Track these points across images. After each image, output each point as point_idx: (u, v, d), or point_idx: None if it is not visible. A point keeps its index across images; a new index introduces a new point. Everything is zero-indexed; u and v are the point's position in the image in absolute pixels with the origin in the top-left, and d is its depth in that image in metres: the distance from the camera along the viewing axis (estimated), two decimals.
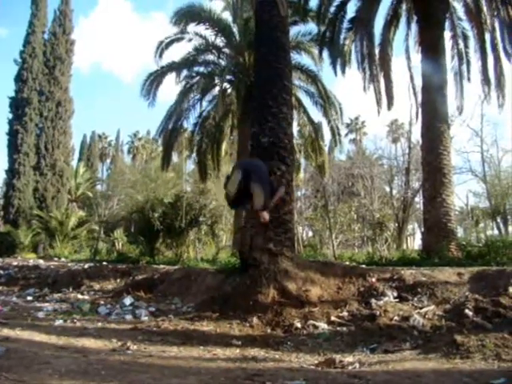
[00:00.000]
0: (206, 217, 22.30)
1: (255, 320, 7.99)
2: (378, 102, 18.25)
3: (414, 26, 17.83)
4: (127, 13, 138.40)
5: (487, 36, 16.92)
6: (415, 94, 19.08)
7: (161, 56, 21.95)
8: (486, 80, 17.39)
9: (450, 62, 17.17)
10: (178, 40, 22.24)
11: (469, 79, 18.02)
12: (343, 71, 18.12)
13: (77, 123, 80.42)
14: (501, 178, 33.87)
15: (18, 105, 35.74)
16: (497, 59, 16.91)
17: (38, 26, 36.95)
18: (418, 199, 31.57)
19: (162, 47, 21.93)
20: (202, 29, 22.01)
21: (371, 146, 46.71)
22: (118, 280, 14.08)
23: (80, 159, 60.90)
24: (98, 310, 9.95)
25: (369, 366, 5.34)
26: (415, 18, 16.93)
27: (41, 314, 9.24)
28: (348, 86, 78.15)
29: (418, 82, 17.67)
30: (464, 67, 17.75)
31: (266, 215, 6.94)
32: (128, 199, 38.88)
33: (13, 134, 35.25)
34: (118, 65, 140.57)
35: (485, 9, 16.61)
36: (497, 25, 16.47)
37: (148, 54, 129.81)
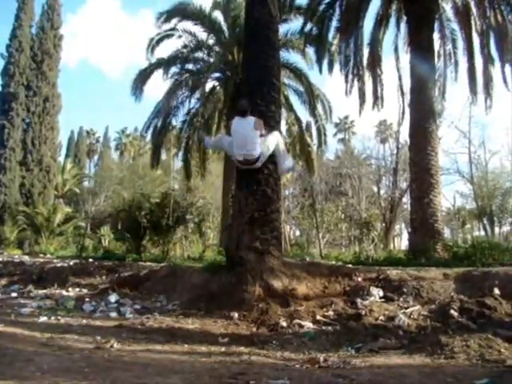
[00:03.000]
0: (193, 215, 22.31)
1: (241, 318, 7.98)
2: (362, 103, 18.32)
3: (403, 27, 17.92)
4: (115, 10, 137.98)
5: (476, 38, 17.03)
6: (403, 94, 19.12)
7: (152, 52, 22.02)
8: (473, 82, 17.48)
9: (438, 62, 17.26)
10: (168, 37, 22.21)
11: (456, 79, 18.16)
12: (330, 70, 18.21)
13: (64, 119, 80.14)
14: (488, 180, 34.17)
15: (4, 99, 35.57)
16: (485, 62, 17.00)
17: (25, 19, 36.78)
18: (406, 199, 31.75)
19: (153, 44, 21.95)
20: (190, 25, 21.99)
21: (359, 146, 46.83)
22: (104, 277, 14.02)
23: (67, 155, 60.74)
24: (83, 307, 9.90)
25: (353, 366, 5.33)
26: (405, 18, 16.98)
27: (25, 311, 9.17)
28: (338, 85, 78.37)
29: (407, 83, 17.80)
30: (451, 68, 17.86)
31: None
32: (115, 196, 38.80)
33: None
34: (105, 61, 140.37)
35: (474, 11, 16.70)
36: (485, 28, 16.58)
37: (136, 51, 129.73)
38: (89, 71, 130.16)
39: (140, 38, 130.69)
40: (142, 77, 22.11)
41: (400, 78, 19.09)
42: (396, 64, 19.04)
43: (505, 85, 16.75)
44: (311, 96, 22.00)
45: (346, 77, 18.00)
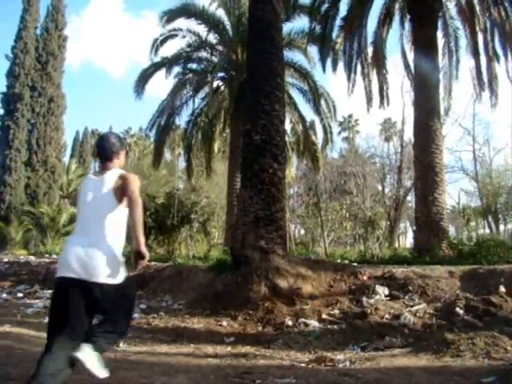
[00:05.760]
0: (198, 214, 22.29)
1: (246, 318, 8.00)
2: (369, 101, 18.26)
3: (407, 25, 17.86)
4: (119, 12, 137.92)
5: (480, 36, 16.94)
6: (414, 91, 18.90)
7: (156, 53, 21.93)
8: (478, 80, 17.41)
9: (442, 60, 17.16)
10: (172, 37, 22.16)
11: (456, 77, 18.10)
12: (334, 68, 18.11)
13: (69, 120, 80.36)
14: (492, 177, 34.06)
15: (9, 100, 35.60)
16: (489, 59, 16.93)
17: (30, 21, 36.80)
18: (410, 198, 31.69)
19: (157, 44, 21.88)
20: (194, 24, 21.97)
21: (364, 145, 46.81)
22: None
23: (72, 155, 60.73)
24: None
25: (359, 364, 5.34)
26: (408, 16, 16.92)
27: (31, 311, 9.21)
28: (342, 83, 78.16)
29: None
30: (454, 66, 17.76)
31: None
32: None
33: (4, 130, 35.13)
34: (108, 63, 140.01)
35: (477, 8, 16.64)
36: (489, 25, 16.52)
37: (139, 52, 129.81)
38: (92, 72, 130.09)
39: (143, 39, 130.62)
40: (145, 76, 22.10)
41: (410, 75, 18.88)
42: (403, 62, 18.96)
43: (510, 81, 16.69)
44: (316, 95, 21.96)
45: (349, 76, 17.91)
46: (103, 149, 4.11)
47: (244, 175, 10.45)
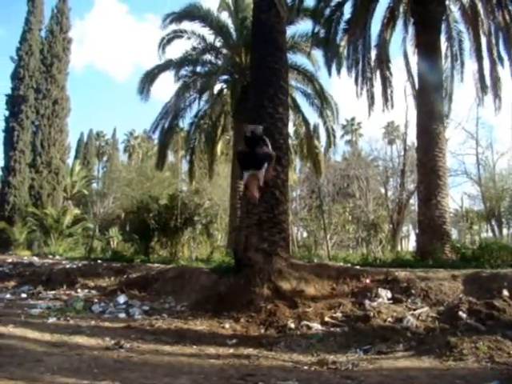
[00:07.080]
0: (201, 216, 22.30)
1: (249, 320, 8.00)
2: (371, 105, 18.18)
3: (410, 28, 17.84)
4: (122, 15, 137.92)
5: (483, 39, 16.92)
6: (415, 95, 18.83)
7: (164, 50, 21.98)
8: (481, 83, 17.38)
9: (445, 64, 17.14)
10: (179, 37, 22.17)
11: (462, 80, 18.08)
12: (338, 71, 18.07)
13: (73, 121, 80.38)
14: (495, 181, 33.95)
15: (14, 102, 35.64)
16: (492, 63, 16.89)
17: (35, 23, 36.85)
18: (413, 201, 31.56)
19: (164, 43, 21.94)
20: (198, 27, 22.00)
21: (367, 148, 46.67)
22: (113, 278, 14.04)
23: (77, 157, 60.81)
24: (92, 308, 9.93)
25: (362, 367, 5.34)
26: (412, 19, 16.91)
27: (34, 312, 9.22)
28: (345, 86, 77.98)
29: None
30: (458, 69, 17.73)
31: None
32: (124, 198, 38.78)
33: (9, 132, 35.19)
34: (112, 65, 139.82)
35: (481, 12, 16.61)
36: (493, 28, 16.48)
37: (143, 55, 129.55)
38: (96, 75, 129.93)
39: (147, 42, 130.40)
40: (150, 77, 22.13)
41: (412, 79, 18.85)
42: (406, 66, 18.93)
43: None
44: (322, 98, 21.95)
45: (356, 79, 17.87)
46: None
47: None
